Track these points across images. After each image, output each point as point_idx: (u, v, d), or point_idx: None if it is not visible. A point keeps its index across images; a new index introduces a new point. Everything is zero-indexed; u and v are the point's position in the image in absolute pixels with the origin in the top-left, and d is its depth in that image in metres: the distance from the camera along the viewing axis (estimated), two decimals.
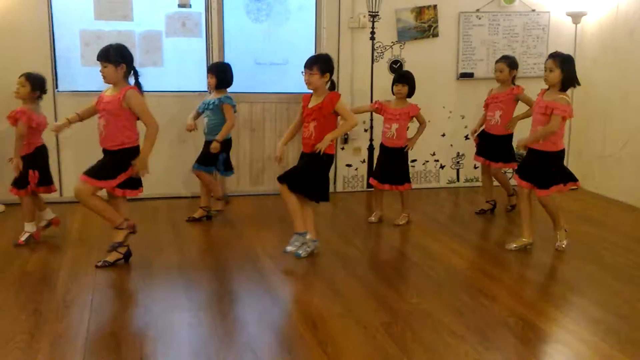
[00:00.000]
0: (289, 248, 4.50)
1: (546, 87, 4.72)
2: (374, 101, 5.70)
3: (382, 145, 5.47)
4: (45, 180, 4.82)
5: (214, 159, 5.33)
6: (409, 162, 5.49)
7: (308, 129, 4.47)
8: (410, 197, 5.56)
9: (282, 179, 4.44)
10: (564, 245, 4.79)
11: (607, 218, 5.89)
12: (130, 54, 4.24)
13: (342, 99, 4.44)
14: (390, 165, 5.38)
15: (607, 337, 3.38)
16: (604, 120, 6.69)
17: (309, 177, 4.47)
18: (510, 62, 5.60)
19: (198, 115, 5.45)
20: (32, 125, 4.67)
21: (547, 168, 4.62)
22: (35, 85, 4.71)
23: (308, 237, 4.56)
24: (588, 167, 6.91)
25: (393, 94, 5.38)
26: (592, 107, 6.82)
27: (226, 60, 6.19)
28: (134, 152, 4.24)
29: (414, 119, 5.41)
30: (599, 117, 6.75)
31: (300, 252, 4.53)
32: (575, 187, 4.79)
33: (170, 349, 3.21)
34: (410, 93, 5.36)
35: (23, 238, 4.76)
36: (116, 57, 4.13)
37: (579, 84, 4.66)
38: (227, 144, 5.42)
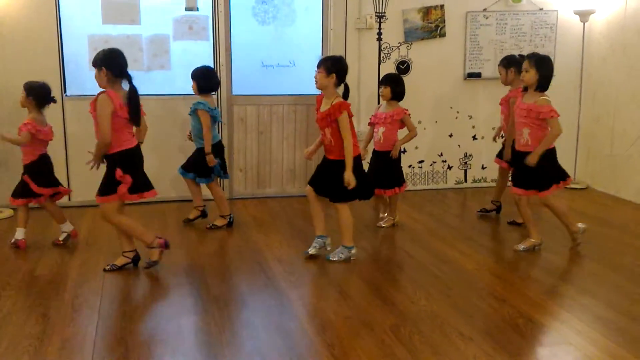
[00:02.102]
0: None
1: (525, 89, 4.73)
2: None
3: (373, 149, 5.44)
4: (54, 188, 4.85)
5: (210, 169, 5.27)
6: (399, 166, 5.41)
7: (326, 135, 4.49)
8: (399, 201, 5.54)
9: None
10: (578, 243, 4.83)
11: (616, 218, 5.86)
12: (117, 58, 4.15)
13: (346, 114, 4.33)
14: (379, 168, 5.33)
15: (617, 338, 3.36)
16: (612, 120, 6.65)
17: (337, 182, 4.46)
18: (504, 63, 5.47)
19: None
20: (38, 137, 4.69)
21: (543, 168, 4.60)
22: (30, 91, 4.69)
23: (329, 241, 4.69)
24: (597, 167, 6.88)
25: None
26: (601, 107, 6.79)
27: (233, 63, 6.22)
28: (123, 155, 4.18)
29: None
30: (608, 116, 6.71)
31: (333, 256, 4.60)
32: (568, 184, 4.82)
33: (178, 353, 3.21)
34: (396, 95, 5.25)
35: (61, 238, 4.86)
36: (100, 61, 4.10)
37: (547, 87, 4.61)
38: (218, 149, 5.36)
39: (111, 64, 4.12)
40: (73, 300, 3.83)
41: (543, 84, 4.57)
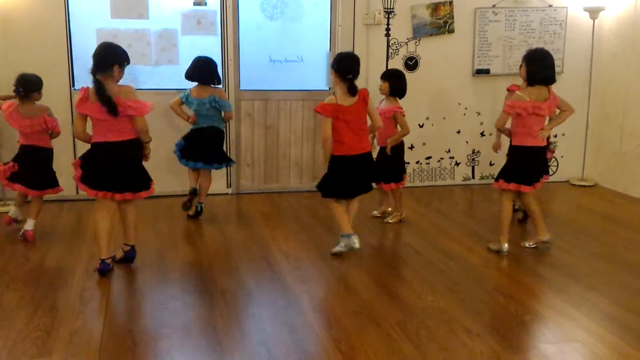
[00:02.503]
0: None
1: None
2: None
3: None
4: (16, 177, 4.82)
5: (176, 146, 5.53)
6: (398, 162, 5.36)
7: None
8: (404, 196, 5.52)
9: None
10: (503, 249, 4.68)
11: (625, 215, 5.83)
12: (96, 55, 4.10)
13: (321, 116, 4.45)
14: (379, 163, 5.27)
15: (624, 335, 3.35)
16: (622, 117, 6.62)
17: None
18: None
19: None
20: (7, 120, 4.74)
21: (508, 160, 4.68)
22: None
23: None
24: (605, 164, 6.85)
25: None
26: (610, 104, 6.76)
27: (241, 58, 6.22)
28: (89, 148, 4.18)
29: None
30: (617, 113, 6.67)
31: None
32: (520, 189, 4.61)
33: (185, 347, 3.22)
34: (394, 91, 5.22)
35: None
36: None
37: (552, 81, 4.56)
38: (201, 136, 5.40)
39: (94, 58, 4.12)
40: (81, 293, 3.85)
41: (531, 78, 4.51)
